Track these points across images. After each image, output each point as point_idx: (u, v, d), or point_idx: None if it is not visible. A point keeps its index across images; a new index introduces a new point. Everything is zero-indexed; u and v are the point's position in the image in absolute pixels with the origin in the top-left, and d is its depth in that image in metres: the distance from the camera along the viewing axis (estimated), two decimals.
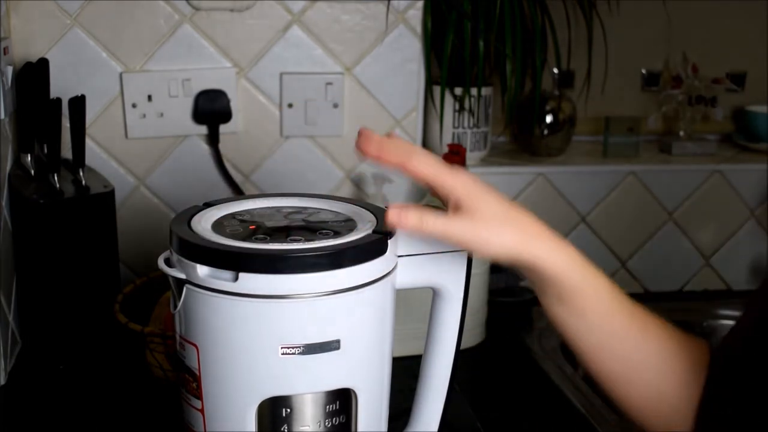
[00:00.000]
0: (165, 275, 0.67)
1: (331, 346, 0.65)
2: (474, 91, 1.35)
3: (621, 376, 0.72)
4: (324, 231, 0.68)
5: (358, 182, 1.34)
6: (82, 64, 1.22)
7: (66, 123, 1.11)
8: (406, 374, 0.82)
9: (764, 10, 1.54)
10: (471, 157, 1.36)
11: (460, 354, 0.77)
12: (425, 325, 0.77)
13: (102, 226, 1.11)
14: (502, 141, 1.52)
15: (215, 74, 1.26)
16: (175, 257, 0.67)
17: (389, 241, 0.67)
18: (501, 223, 0.66)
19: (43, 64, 1.10)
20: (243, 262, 0.63)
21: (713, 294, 1.49)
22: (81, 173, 1.11)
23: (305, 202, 0.76)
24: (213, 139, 1.28)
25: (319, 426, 0.67)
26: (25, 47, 1.18)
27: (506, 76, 1.34)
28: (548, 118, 1.45)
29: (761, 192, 1.47)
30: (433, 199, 1.10)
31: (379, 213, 0.71)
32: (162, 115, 1.26)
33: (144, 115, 1.25)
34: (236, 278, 0.63)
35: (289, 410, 0.66)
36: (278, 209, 0.74)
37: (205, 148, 1.29)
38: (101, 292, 1.10)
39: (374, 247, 0.66)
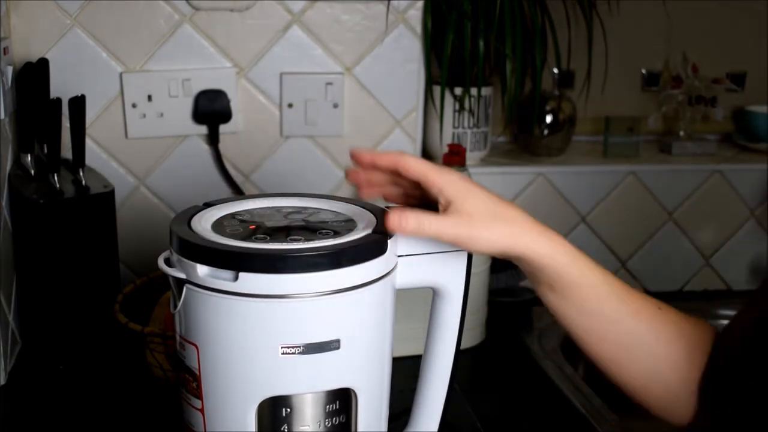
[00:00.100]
0: (165, 275, 0.67)
1: (331, 345, 0.65)
2: (474, 91, 1.35)
3: (615, 359, 0.75)
4: (324, 231, 0.68)
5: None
6: (82, 64, 1.22)
7: (66, 123, 1.11)
8: (406, 374, 0.82)
9: (764, 10, 1.54)
10: (471, 157, 1.36)
11: (460, 354, 0.77)
12: (425, 325, 0.77)
13: (102, 226, 1.11)
14: (502, 141, 1.52)
15: (215, 74, 1.26)
16: (175, 257, 0.67)
17: (389, 241, 0.67)
18: (489, 219, 0.69)
19: (43, 64, 1.10)
20: (243, 261, 0.63)
21: (713, 294, 1.49)
22: (81, 173, 1.11)
23: (305, 202, 0.76)
24: (213, 139, 1.28)
25: (319, 426, 0.67)
26: (25, 47, 1.18)
27: (506, 76, 1.34)
28: (548, 118, 1.45)
29: (761, 192, 1.47)
30: None
31: (379, 213, 0.71)
32: (162, 115, 1.26)
33: (144, 115, 1.25)
34: (236, 278, 0.63)
35: (289, 410, 0.66)
36: (278, 209, 0.74)
37: (205, 148, 1.29)
38: (101, 292, 1.10)
39: (374, 247, 0.66)
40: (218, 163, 1.30)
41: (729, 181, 1.46)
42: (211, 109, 1.27)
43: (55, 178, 1.07)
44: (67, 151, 1.13)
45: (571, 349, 1.20)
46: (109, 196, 1.11)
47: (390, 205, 0.74)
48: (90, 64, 1.22)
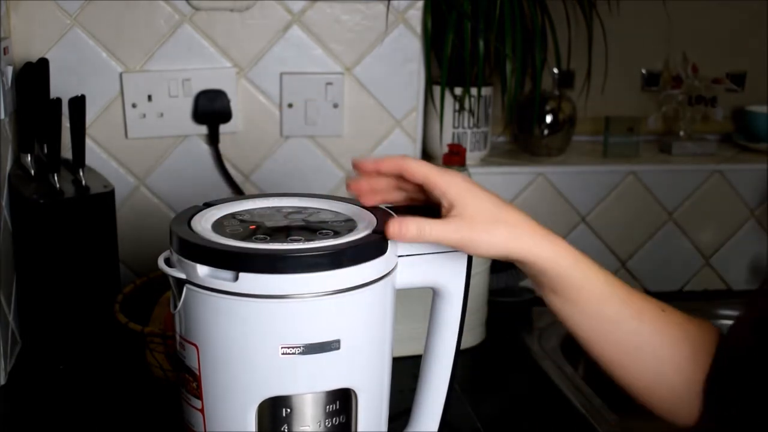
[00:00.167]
0: (165, 275, 0.67)
1: (331, 346, 0.65)
2: (474, 91, 1.35)
3: (619, 361, 0.75)
4: (324, 231, 0.68)
5: None
6: (82, 64, 1.22)
7: (66, 123, 1.11)
8: (406, 374, 0.82)
9: (764, 10, 1.54)
10: (471, 157, 1.36)
11: (460, 354, 0.77)
12: (425, 325, 0.77)
13: (102, 226, 1.11)
14: (502, 141, 1.52)
15: (215, 74, 1.26)
16: (175, 257, 0.67)
17: (389, 241, 0.67)
18: (491, 222, 0.69)
19: (43, 64, 1.10)
20: (243, 262, 0.63)
21: (713, 294, 1.49)
22: (81, 173, 1.11)
23: (305, 202, 0.76)
24: (213, 139, 1.28)
25: (319, 426, 0.67)
26: (25, 47, 1.18)
27: (506, 76, 1.34)
28: (548, 118, 1.45)
29: (761, 192, 1.47)
30: None
31: (379, 213, 0.71)
32: (162, 115, 1.26)
33: (144, 115, 1.25)
34: (236, 278, 0.63)
35: (289, 410, 0.66)
36: (278, 209, 0.74)
37: (205, 148, 1.29)
38: (101, 292, 1.10)
39: (374, 247, 0.66)
40: (218, 163, 1.30)
41: (729, 181, 1.46)
42: (211, 109, 1.27)
43: (55, 178, 1.07)
44: (67, 151, 1.13)
45: (571, 349, 1.20)
46: (109, 196, 1.11)
47: (391, 205, 0.75)
48: (90, 64, 1.22)
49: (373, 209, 0.72)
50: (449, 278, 0.74)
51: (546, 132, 1.45)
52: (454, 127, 1.37)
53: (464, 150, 1.23)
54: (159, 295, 1.06)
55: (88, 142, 1.19)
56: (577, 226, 1.43)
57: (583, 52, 1.39)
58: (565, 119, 1.45)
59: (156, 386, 1.02)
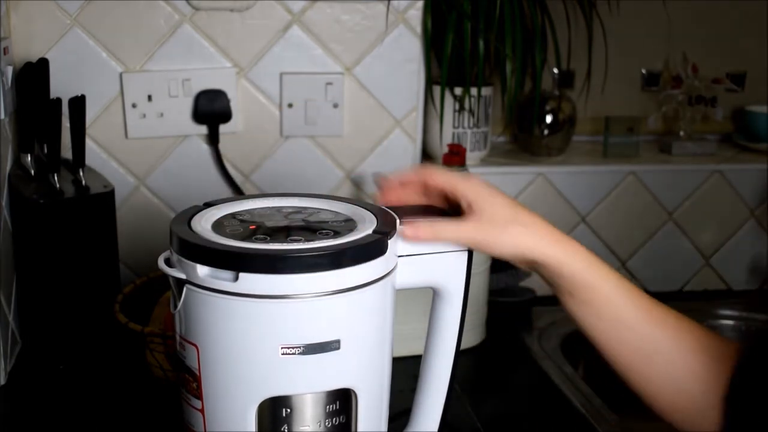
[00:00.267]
0: (165, 275, 0.67)
1: (331, 346, 0.65)
2: (474, 91, 1.35)
3: (633, 365, 0.75)
4: (324, 231, 0.68)
5: (358, 182, 1.34)
6: (82, 64, 1.22)
7: (66, 123, 1.11)
8: (406, 374, 0.82)
9: (764, 10, 1.54)
10: (471, 157, 1.36)
11: (460, 354, 0.77)
12: (425, 325, 0.77)
13: (102, 226, 1.11)
14: (502, 141, 1.52)
15: (215, 74, 1.26)
16: (175, 257, 0.67)
17: (389, 241, 0.67)
18: (509, 223, 0.71)
19: (43, 64, 1.10)
20: (243, 262, 0.63)
21: (713, 294, 1.49)
22: (81, 173, 1.11)
23: (305, 202, 0.76)
24: (213, 139, 1.28)
25: (319, 426, 0.67)
26: (25, 47, 1.18)
27: (506, 76, 1.34)
28: (548, 118, 1.45)
29: (761, 192, 1.47)
30: None
31: (379, 213, 0.71)
32: (162, 115, 1.26)
33: (144, 115, 1.25)
34: (236, 278, 0.63)
35: (289, 410, 0.66)
36: (278, 209, 0.74)
37: (205, 148, 1.29)
38: (101, 292, 1.10)
39: (374, 247, 0.66)
40: (218, 163, 1.30)
41: (729, 181, 1.46)
42: (211, 109, 1.27)
43: (55, 178, 1.07)
44: (67, 151, 1.13)
45: (571, 349, 1.20)
46: (109, 196, 1.11)
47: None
48: (90, 64, 1.22)
49: (374, 209, 0.72)
50: (449, 278, 0.74)
51: (546, 132, 1.45)
52: (454, 127, 1.37)
53: (464, 150, 1.23)
54: (159, 295, 1.06)
55: (88, 142, 1.19)
56: (577, 226, 1.43)
57: (583, 52, 1.39)
58: (565, 119, 1.45)
59: (156, 386, 1.02)
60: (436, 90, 1.35)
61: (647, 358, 0.74)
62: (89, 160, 1.16)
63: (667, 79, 1.55)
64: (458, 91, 1.35)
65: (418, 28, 1.31)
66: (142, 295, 1.10)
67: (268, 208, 0.74)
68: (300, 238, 0.66)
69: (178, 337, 0.69)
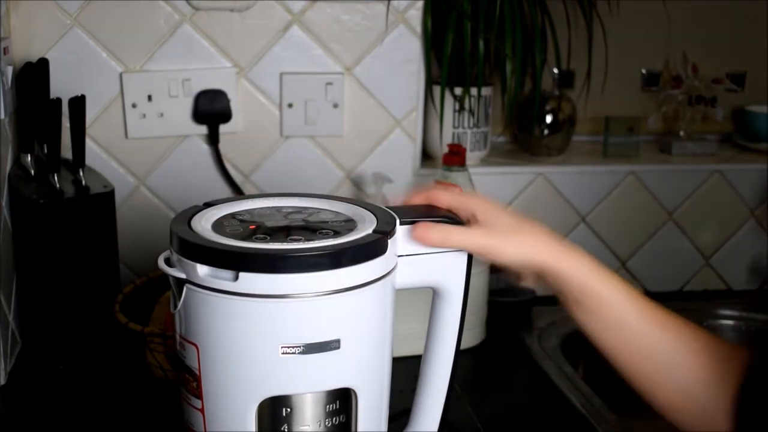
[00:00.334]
0: (165, 275, 0.67)
1: (331, 345, 0.65)
2: (474, 91, 1.35)
3: (641, 371, 0.75)
4: (324, 231, 0.68)
5: (358, 182, 1.34)
6: (82, 64, 1.22)
7: (66, 123, 1.11)
8: (406, 374, 0.82)
9: (764, 10, 1.54)
10: (471, 157, 1.36)
11: (460, 354, 0.77)
12: (425, 325, 0.77)
13: (102, 226, 1.11)
14: (502, 141, 1.52)
15: (215, 74, 1.26)
16: (175, 257, 0.67)
17: (389, 241, 0.67)
18: (514, 232, 0.73)
19: (43, 64, 1.10)
20: (243, 261, 0.63)
21: (713, 294, 1.49)
22: (81, 173, 1.11)
23: (305, 202, 0.76)
24: (213, 139, 1.28)
25: (319, 426, 0.67)
26: (25, 47, 1.18)
27: (506, 76, 1.34)
28: (548, 118, 1.45)
29: (761, 192, 1.47)
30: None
31: (379, 213, 0.71)
32: (162, 115, 1.26)
33: (144, 115, 1.25)
34: (236, 278, 0.63)
35: (289, 410, 0.66)
36: (278, 209, 0.74)
37: (205, 148, 1.29)
38: (101, 292, 1.10)
39: (374, 246, 0.66)
40: (218, 163, 1.30)
41: (729, 181, 1.46)
42: (211, 109, 1.27)
43: (55, 178, 1.07)
44: (67, 151, 1.13)
45: (571, 349, 1.20)
46: (109, 196, 1.11)
47: (390, 205, 0.75)
48: (90, 64, 1.22)
49: (374, 209, 0.73)
50: (449, 278, 0.74)
51: (546, 132, 1.45)
52: (454, 127, 1.37)
53: (464, 150, 1.23)
54: (159, 295, 1.06)
55: (88, 142, 1.19)
56: (577, 226, 1.43)
57: (583, 52, 1.39)
58: (565, 119, 1.45)
59: (156, 386, 1.02)
60: (436, 90, 1.35)
61: (655, 362, 0.75)
62: (89, 160, 1.16)
63: (667, 79, 1.55)
64: (458, 91, 1.35)
65: (418, 28, 1.31)
66: (142, 295, 1.10)
67: (268, 208, 0.74)
68: (300, 237, 0.66)
69: (178, 337, 0.69)
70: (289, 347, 0.64)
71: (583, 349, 0.78)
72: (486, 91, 1.37)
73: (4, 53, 1.08)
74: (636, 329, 0.74)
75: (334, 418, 0.68)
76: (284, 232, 0.68)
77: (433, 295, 0.76)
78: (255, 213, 0.73)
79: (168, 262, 0.68)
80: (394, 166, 1.34)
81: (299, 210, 0.74)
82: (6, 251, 1.06)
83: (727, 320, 1.39)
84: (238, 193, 1.31)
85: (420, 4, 1.30)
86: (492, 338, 1.23)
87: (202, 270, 0.64)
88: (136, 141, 1.26)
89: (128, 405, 1.01)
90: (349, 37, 1.29)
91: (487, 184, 1.35)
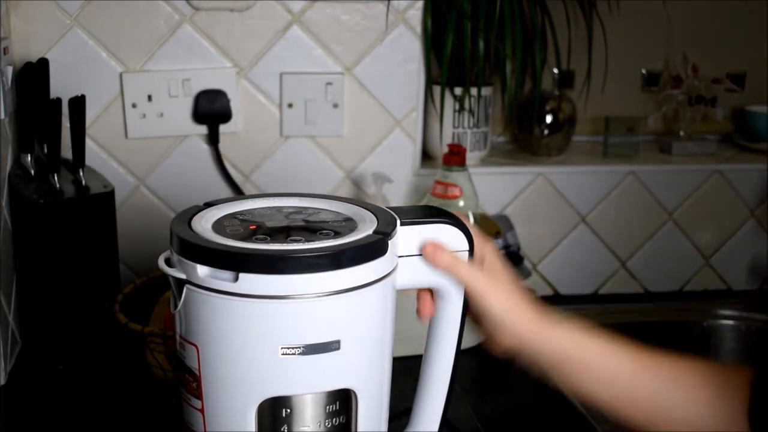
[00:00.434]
0: (165, 275, 0.67)
1: (331, 346, 0.65)
2: (474, 91, 1.35)
3: (646, 416, 0.75)
4: (324, 231, 0.68)
5: (358, 182, 1.34)
6: (82, 64, 1.22)
7: (66, 123, 1.11)
8: (406, 374, 0.82)
9: (764, 10, 1.54)
10: (471, 157, 1.36)
11: (460, 354, 0.77)
12: (425, 325, 0.77)
13: (102, 226, 1.11)
14: (502, 141, 1.52)
15: (215, 74, 1.26)
16: (175, 257, 0.67)
17: (389, 242, 0.67)
18: (511, 287, 0.76)
19: (43, 64, 1.10)
20: (243, 262, 0.63)
21: (713, 294, 1.49)
22: (81, 173, 1.11)
23: (305, 202, 0.76)
24: (213, 139, 1.28)
25: (319, 426, 0.67)
26: (25, 47, 1.18)
27: (506, 76, 1.34)
28: (548, 118, 1.45)
29: (761, 192, 1.47)
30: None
31: (380, 213, 0.71)
32: (162, 115, 1.26)
33: (144, 115, 1.25)
34: (236, 278, 0.63)
35: (289, 410, 0.66)
36: (278, 209, 0.74)
37: (205, 148, 1.29)
38: (101, 292, 1.10)
39: (375, 247, 0.66)
40: (218, 163, 1.30)
41: (729, 181, 1.46)
42: (211, 109, 1.27)
43: (55, 178, 1.07)
44: (67, 151, 1.13)
45: None
46: (109, 196, 1.11)
47: (390, 206, 0.75)
48: (90, 64, 1.22)
49: (374, 209, 0.72)
50: (449, 278, 0.74)
51: (546, 132, 1.45)
52: (454, 127, 1.37)
53: (464, 150, 1.23)
54: (159, 295, 1.06)
55: (88, 142, 1.19)
56: (577, 226, 1.43)
57: (583, 52, 1.39)
58: (565, 119, 1.45)
59: (156, 386, 1.02)
60: (436, 90, 1.35)
61: (657, 404, 0.75)
62: (89, 160, 1.16)
63: (667, 79, 1.55)
64: (458, 91, 1.35)
65: (418, 28, 1.31)
66: (142, 295, 1.10)
67: (269, 208, 0.74)
68: (300, 238, 0.66)
69: (178, 337, 0.69)
70: (289, 348, 0.64)
71: (613, 418, 0.78)
72: (486, 91, 1.37)
73: (4, 53, 1.08)
74: (629, 377, 0.75)
75: (334, 419, 0.68)
76: (284, 233, 0.68)
77: (434, 295, 0.76)
78: (255, 213, 0.73)
79: (168, 262, 0.68)
80: (394, 166, 1.34)
81: (299, 210, 0.74)
82: (6, 251, 1.06)
83: (727, 320, 1.39)
84: (238, 193, 1.31)
85: (420, 4, 1.30)
86: None
87: (202, 270, 0.64)
88: (136, 141, 1.26)
89: (128, 405, 1.01)
90: (349, 37, 1.29)
91: (487, 184, 1.35)
